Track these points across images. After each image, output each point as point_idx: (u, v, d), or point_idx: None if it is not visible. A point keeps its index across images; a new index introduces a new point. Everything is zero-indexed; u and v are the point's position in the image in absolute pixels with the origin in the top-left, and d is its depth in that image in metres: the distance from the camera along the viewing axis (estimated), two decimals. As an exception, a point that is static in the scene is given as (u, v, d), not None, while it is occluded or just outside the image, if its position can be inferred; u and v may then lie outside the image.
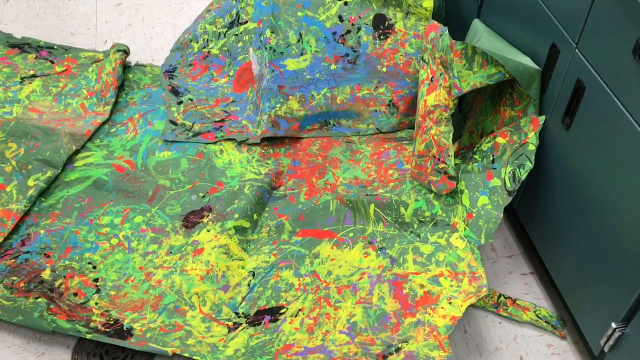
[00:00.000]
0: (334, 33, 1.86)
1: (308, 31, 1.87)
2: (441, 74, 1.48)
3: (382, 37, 1.85)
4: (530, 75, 1.33)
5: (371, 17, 1.86)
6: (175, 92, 1.99)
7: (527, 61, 1.34)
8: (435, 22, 1.59)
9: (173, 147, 1.81)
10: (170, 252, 1.55)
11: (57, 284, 1.47)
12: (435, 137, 1.49)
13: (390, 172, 1.71)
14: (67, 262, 1.52)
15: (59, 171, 1.70)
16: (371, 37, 1.85)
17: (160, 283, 1.47)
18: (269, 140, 1.86)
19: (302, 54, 1.86)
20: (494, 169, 1.44)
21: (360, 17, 1.86)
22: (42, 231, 1.58)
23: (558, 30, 1.27)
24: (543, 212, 1.44)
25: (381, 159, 1.77)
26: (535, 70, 1.32)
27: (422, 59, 1.63)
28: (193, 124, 1.88)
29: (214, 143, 1.83)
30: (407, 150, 1.78)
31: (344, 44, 1.86)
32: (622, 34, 1.07)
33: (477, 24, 1.55)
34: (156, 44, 2.27)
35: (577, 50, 1.22)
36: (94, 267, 1.51)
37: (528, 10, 1.37)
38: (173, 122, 1.88)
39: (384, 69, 1.85)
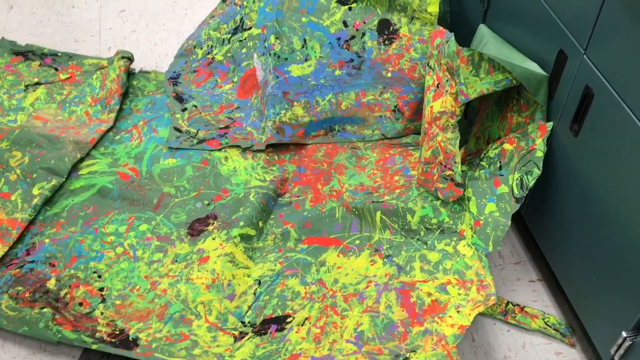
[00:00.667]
0: (339, 38, 1.86)
1: (312, 37, 1.86)
2: (447, 80, 1.47)
3: (386, 42, 1.84)
4: (537, 82, 1.32)
5: (376, 22, 1.85)
6: (179, 98, 1.99)
7: (534, 67, 1.33)
8: (441, 27, 1.58)
9: (178, 155, 1.81)
10: (176, 261, 1.54)
11: (62, 293, 1.46)
12: (442, 144, 1.48)
13: (396, 178, 1.70)
14: (72, 271, 1.51)
15: (64, 179, 1.70)
16: (376, 42, 1.84)
17: (165, 292, 1.47)
18: (273, 147, 1.85)
19: (306, 60, 1.86)
20: (501, 175, 1.43)
21: (364, 23, 1.85)
22: (47, 240, 1.58)
23: (566, 36, 1.25)
24: (551, 219, 1.43)
25: (387, 165, 1.76)
26: (542, 77, 1.31)
27: (428, 65, 1.62)
28: (197, 131, 1.87)
29: (219, 150, 1.82)
30: (413, 156, 1.77)
31: (348, 50, 1.85)
32: (631, 39, 1.06)
33: (483, 30, 1.54)
34: (160, 50, 2.27)
35: (585, 56, 1.20)
36: (99, 276, 1.50)
37: (535, 16, 1.36)
38: (177, 129, 1.87)
39: (389, 75, 1.84)
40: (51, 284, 1.48)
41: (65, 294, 1.46)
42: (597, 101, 1.19)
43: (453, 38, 1.44)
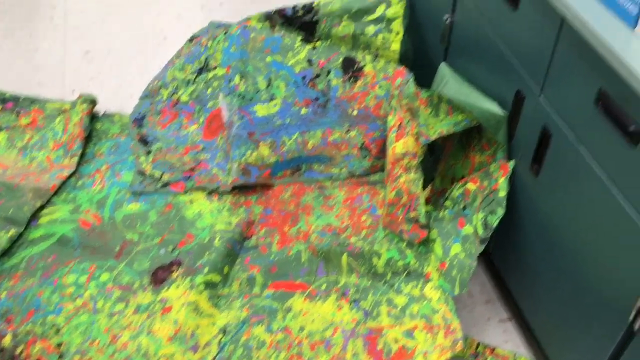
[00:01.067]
0: (304, 77, 1.85)
1: (277, 76, 1.85)
2: (408, 120, 1.46)
3: (351, 80, 1.84)
4: (496, 122, 1.32)
5: (340, 60, 1.85)
6: (144, 141, 1.96)
7: (492, 107, 1.33)
8: (403, 67, 1.58)
9: (141, 199, 1.77)
10: (138, 311, 1.49)
11: (18, 351, 1.40)
12: (405, 185, 1.46)
13: (364, 218, 1.68)
14: (29, 326, 1.46)
15: (23, 229, 1.65)
16: (341, 80, 1.84)
17: (126, 346, 1.42)
18: (240, 188, 1.82)
19: (271, 99, 1.85)
20: (465, 215, 1.41)
21: (329, 61, 1.85)
22: (3, 294, 1.52)
23: (522, 77, 1.26)
24: (517, 257, 1.41)
25: (354, 204, 1.74)
26: (501, 117, 1.31)
27: (390, 104, 1.62)
28: (162, 174, 1.84)
29: (184, 193, 1.79)
30: (381, 195, 1.75)
31: (313, 88, 1.84)
32: (584, 83, 1.06)
33: (443, 69, 1.54)
34: (125, 91, 2.24)
35: (542, 97, 1.20)
36: (58, 331, 1.45)
37: (492, 55, 1.36)
38: (141, 173, 1.84)
39: (355, 112, 1.83)
40: (7, 341, 1.42)
41: (21, 351, 1.41)
42: (555, 142, 1.18)
43: (412, 79, 1.44)
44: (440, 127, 1.38)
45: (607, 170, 1.04)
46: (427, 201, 1.58)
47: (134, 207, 1.75)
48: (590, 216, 1.11)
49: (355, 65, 1.84)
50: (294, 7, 1.86)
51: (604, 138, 1.03)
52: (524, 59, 1.24)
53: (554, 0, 1.07)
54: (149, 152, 1.91)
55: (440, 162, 1.66)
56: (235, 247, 1.63)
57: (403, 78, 1.52)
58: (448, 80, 1.47)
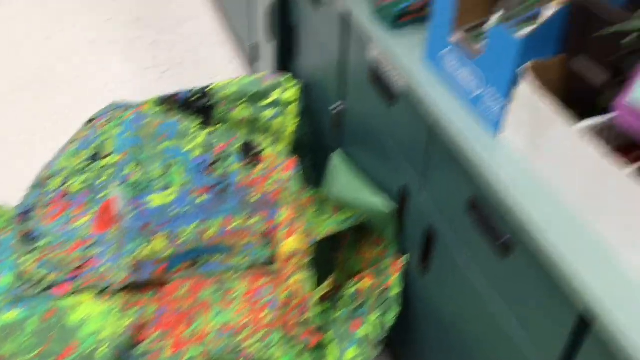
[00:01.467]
0: (201, 163, 1.77)
1: (173, 163, 1.77)
2: (298, 216, 1.40)
3: (251, 164, 1.77)
4: (383, 218, 1.27)
5: (239, 144, 1.78)
6: (29, 237, 1.81)
7: (378, 203, 1.28)
8: (294, 158, 1.54)
9: (21, 305, 1.62)
10: None
11: None
12: (296, 286, 1.39)
13: (264, 313, 1.58)
14: None
15: None
16: (240, 165, 1.77)
17: None
18: (133, 286, 1.69)
19: (167, 188, 1.75)
20: (360, 315, 1.34)
21: (228, 145, 1.79)
22: None
23: (406, 172, 1.22)
24: (417, 353, 1.35)
25: (255, 297, 1.65)
26: (386, 215, 1.26)
27: (278, 201, 1.56)
28: (47, 275, 1.69)
29: (70, 295, 1.65)
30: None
31: (212, 174, 1.77)
32: (456, 188, 1.03)
33: (335, 159, 1.51)
34: (13, 182, 2.09)
35: (424, 195, 1.17)
36: None
37: (379, 147, 1.33)
38: (21, 275, 1.69)
39: (255, 198, 1.76)
40: None
41: None
42: (439, 242, 1.14)
43: (298, 175, 1.39)
44: (327, 225, 1.32)
45: (486, 276, 1.00)
46: (326, 296, 1.51)
47: (11, 315, 1.59)
48: (474, 319, 1.06)
49: (254, 150, 1.78)
50: (189, 91, 1.80)
51: (478, 245, 0.99)
52: (406, 155, 1.21)
53: (423, 103, 1.04)
54: (33, 250, 1.77)
55: (339, 252, 1.59)
56: (124, 356, 1.50)
57: (292, 171, 1.47)
58: (338, 172, 1.43)
